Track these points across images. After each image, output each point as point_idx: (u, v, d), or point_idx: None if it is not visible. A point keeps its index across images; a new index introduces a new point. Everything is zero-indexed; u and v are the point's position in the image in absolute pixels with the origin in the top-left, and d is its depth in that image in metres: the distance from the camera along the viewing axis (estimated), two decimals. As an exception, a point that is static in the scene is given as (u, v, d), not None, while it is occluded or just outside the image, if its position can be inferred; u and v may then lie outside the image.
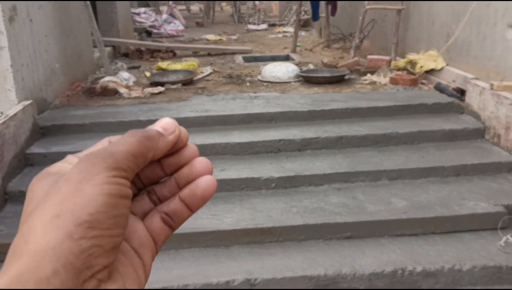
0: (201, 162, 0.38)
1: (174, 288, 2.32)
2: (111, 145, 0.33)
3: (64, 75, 4.36)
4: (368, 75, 4.86)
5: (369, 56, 5.35)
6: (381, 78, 4.71)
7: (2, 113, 3.25)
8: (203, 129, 3.62)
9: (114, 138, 0.36)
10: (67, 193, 0.30)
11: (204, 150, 3.36)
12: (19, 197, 2.92)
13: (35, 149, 3.29)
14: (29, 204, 0.32)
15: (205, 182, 0.38)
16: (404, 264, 2.40)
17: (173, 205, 0.38)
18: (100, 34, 5.05)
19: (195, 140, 3.40)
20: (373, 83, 4.65)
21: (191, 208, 0.38)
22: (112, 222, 0.30)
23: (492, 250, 2.53)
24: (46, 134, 3.51)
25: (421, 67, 4.73)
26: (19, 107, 3.24)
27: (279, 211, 2.81)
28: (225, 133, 3.53)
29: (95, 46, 5.29)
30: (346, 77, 4.80)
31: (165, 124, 0.37)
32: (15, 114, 3.13)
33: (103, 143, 0.36)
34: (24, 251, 0.28)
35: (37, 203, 0.31)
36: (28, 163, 3.21)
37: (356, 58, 5.47)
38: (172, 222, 0.38)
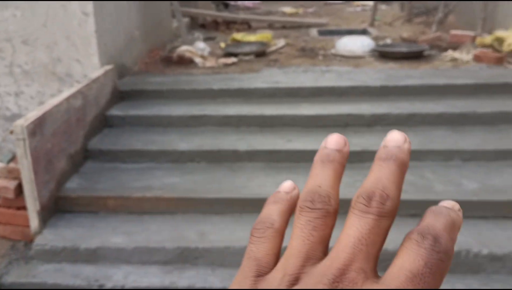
0: None
1: (236, 247, 2.41)
2: None
3: (143, 43, 4.55)
4: (450, 51, 4.62)
5: (452, 31, 5.08)
6: (464, 55, 4.47)
7: (86, 76, 3.47)
8: (273, 100, 3.64)
9: None
10: None
11: (272, 121, 3.40)
12: (98, 155, 3.13)
13: (115, 111, 3.49)
14: None
15: None
16: (469, 246, 2.32)
17: None
18: (178, 5, 5.19)
19: (264, 111, 3.44)
20: (454, 60, 4.42)
21: None
22: None
23: None
24: (125, 98, 3.71)
25: (509, 45, 4.42)
26: (101, 71, 3.45)
27: (343, 184, 2.73)
28: (294, 105, 3.54)
29: (174, 16, 5.45)
30: (426, 53, 4.59)
31: None
32: (98, 78, 3.33)
33: None
34: None
35: None
36: (108, 124, 3.42)
37: (438, 33, 5.22)
38: None
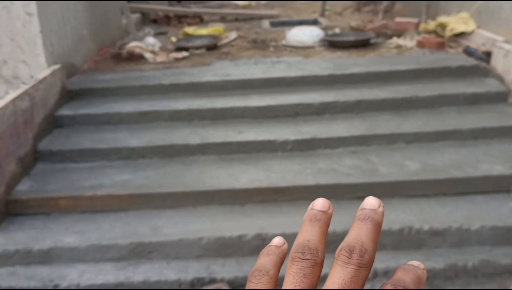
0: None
1: (190, 239, 2.45)
2: None
3: (92, 41, 4.50)
4: (394, 38, 4.78)
5: (397, 19, 5.25)
6: (407, 42, 4.63)
7: (32, 77, 3.42)
8: (224, 93, 3.69)
9: None
10: None
11: (223, 113, 3.45)
12: (49, 156, 3.10)
13: (64, 111, 3.45)
14: None
15: None
16: (411, 223, 2.45)
17: None
18: (125, 2, 5.15)
19: (215, 104, 3.49)
20: (399, 46, 4.58)
21: None
22: None
23: (503, 212, 2.53)
24: (74, 97, 3.67)
25: (451, 30, 4.61)
26: (48, 71, 3.40)
27: (293, 172, 2.89)
28: (244, 97, 3.60)
29: (122, 13, 5.39)
30: (372, 41, 4.73)
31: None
32: (44, 78, 3.29)
33: None
34: None
35: None
36: (57, 124, 3.38)
37: (383, 21, 5.38)
38: None
